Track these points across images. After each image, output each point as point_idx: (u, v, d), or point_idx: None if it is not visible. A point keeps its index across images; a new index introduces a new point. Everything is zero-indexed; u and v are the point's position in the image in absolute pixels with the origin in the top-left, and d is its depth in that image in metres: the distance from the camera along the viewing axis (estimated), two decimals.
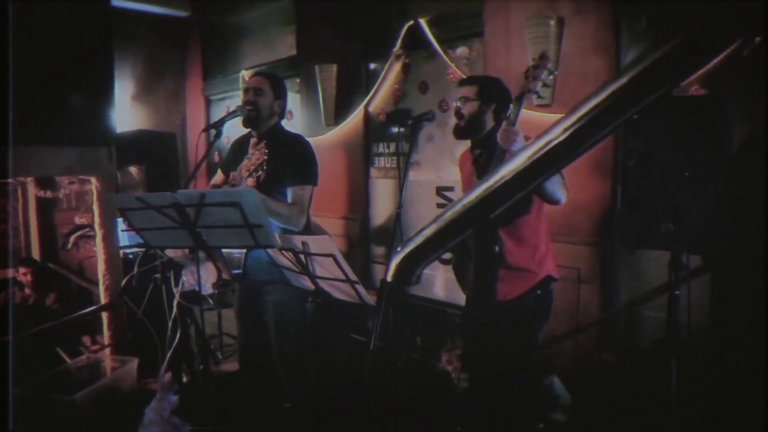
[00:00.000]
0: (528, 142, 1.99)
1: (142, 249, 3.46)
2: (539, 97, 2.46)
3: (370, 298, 2.41)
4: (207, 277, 2.71)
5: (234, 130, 3.20)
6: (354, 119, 4.69)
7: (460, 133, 2.61)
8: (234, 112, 2.74)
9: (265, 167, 2.70)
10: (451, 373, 3.60)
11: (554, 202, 2.36)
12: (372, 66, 4.67)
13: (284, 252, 2.47)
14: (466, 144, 2.72)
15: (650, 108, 0.79)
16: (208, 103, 6.81)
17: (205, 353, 2.96)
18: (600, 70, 3.09)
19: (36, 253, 4.86)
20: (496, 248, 2.45)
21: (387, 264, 2.24)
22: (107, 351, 3.69)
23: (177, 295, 2.87)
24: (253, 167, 2.70)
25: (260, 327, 2.87)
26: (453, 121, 2.64)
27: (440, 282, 4.20)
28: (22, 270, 4.41)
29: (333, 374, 3.23)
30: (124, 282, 3.51)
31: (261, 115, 2.76)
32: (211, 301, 2.75)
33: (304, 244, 2.37)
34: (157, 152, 5.34)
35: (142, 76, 6.71)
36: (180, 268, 2.86)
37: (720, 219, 1.68)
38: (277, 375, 2.89)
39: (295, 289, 2.68)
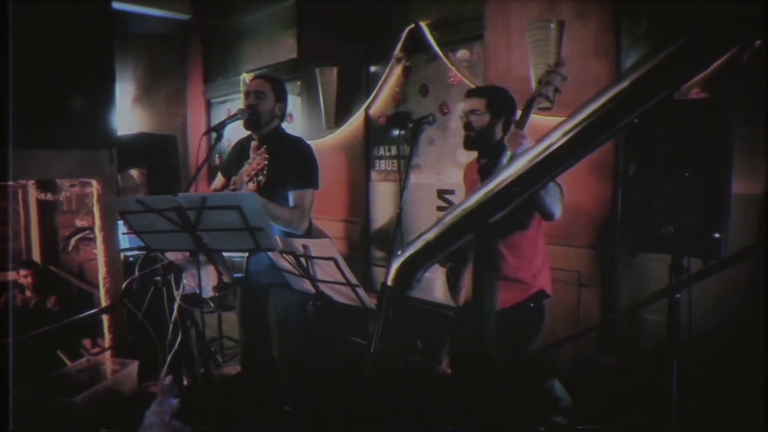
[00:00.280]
0: (529, 146, 2.00)
1: (143, 252, 3.45)
2: (550, 102, 2.47)
3: (371, 301, 2.41)
4: (208, 280, 2.71)
5: (235, 132, 3.20)
6: (354, 122, 4.69)
7: (471, 145, 2.62)
8: (235, 115, 2.74)
9: (265, 172, 2.70)
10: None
11: (549, 215, 2.37)
12: (373, 69, 4.68)
13: (285, 255, 2.48)
14: (470, 151, 2.73)
15: (651, 111, 0.79)
16: (209, 105, 6.82)
17: (205, 356, 2.95)
18: (600, 73, 3.10)
19: (37, 256, 4.86)
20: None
21: (387, 267, 2.24)
22: (108, 354, 3.69)
23: (177, 298, 2.86)
24: (253, 172, 2.70)
25: (262, 330, 2.88)
26: (458, 129, 2.64)
27: (440, 285, 4.20)
28: (22, 272, 4.42)
29: (334, 377, 3.23)
30: (124, 285, 3.50)
31: (262, 119, 2.77)
32: (211, 304, 2.75)
33: (304, 247, 2.37)
34: (158, 155, 5.34)
35: (143, 78, 6.72)
36: (181, 271, 2.86)
37: None
38: (279, 377, 2.89)
39: (297, 293, 2.68)
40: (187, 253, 2.71)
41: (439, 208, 4.18)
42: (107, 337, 3.74)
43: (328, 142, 4.81)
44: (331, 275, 2.38)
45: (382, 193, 4.69)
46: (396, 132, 4.45)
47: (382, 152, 4.66)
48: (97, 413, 2.72)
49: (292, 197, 2.71)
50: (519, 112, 2.44)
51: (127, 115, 6.46)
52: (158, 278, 2.85)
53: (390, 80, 4.47)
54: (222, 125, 2.65)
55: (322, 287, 2.50)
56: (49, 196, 4.78)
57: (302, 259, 2.42)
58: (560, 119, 0.93)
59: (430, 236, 1.20)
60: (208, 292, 2.71)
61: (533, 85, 3.02)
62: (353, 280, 2.35)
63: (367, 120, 4.68)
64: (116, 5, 3.95)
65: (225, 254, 2.75)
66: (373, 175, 4.74)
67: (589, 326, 3.20)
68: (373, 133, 4.70)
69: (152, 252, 2.74)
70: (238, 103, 5.98)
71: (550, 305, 2.66)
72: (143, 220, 2.33)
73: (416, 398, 3.36)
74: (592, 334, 3.17)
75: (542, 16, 3.25)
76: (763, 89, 2.26)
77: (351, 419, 2.74)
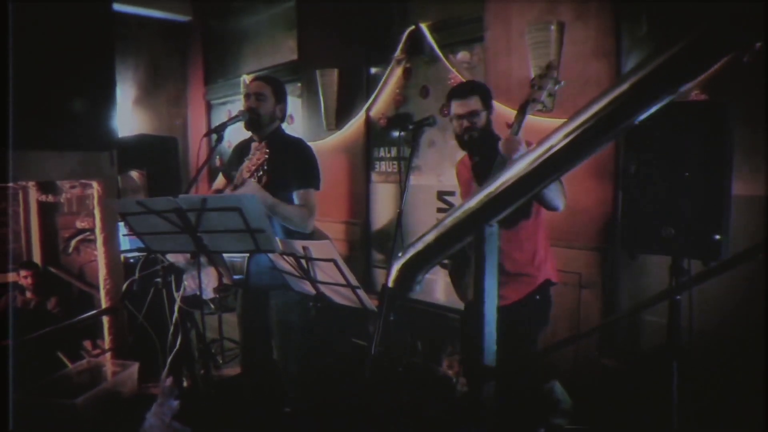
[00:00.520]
0: (530, 148, 1.99)
1: (143, 253, 3.45)
2: (544, 106, 2.46)
3: (371, 303, 2.41)
4: (208, 282, 2.71)
5: (235, 134, 3.21)
6: (355, 124, 4.70)
7: (476, 146, 2.57)
8: (235, 116, 2.75)
9: (265, 167, 2.71)
10: (452, 378, 3.59)
11: (553, 208, 2.36)
12: (373, 70, 4.68)
13: (285, 256, 2.48)
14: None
15: (651, 113, 0.79)
16: (210, 107, 6.83)
17: (206, 358, 2.95)
18: (601, 74, 3.10)
19: (37, 257, 4.86)
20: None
21: (388, 269, 2.24)
22: (108, 355, 3.68)
23: (178, 300, 2.86)
24: (254, 167, 2.71)
25: (263, 331, 2.88)
26: (457, 132, 2.60)
27: (441, 287, 4.20)
28: (23, 273, 4.42)
29: (334, 378, 3.23)
30: (125, 286, 3.50)
31: (262, 120, 2.77)
32: (212, 306, 2.75)
33: (305, 248, 2.37)
34: (159, 156, 5.33)
35: (144, 80, 6.73)
36: (181, 273, 2.86)
37: None
38: (279, 379, 2.89)
39: (297, 294, 2.68)
40: (188, 255, 2.72)
41: (440, 210, 4.18)
42: (107, 338, 3.73)
43: (329, 144, 4.82)
44: (331, 277, 2.38)
45: (383, 195, 4.69)
46: (396, 134, 4.45)
47: (382, 154, 4.66)
48: (97, 415, 2.72)
49: (297, 197, 2.71)
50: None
51: (128, 116, 6.46)
52: (159, 280, 2.85)
53: (390, 82, 4.48)
54: (222, 127, 2.65)
55: (323, 289, 2.50)
56: (50, 198, 4.78)
57: (302, 261, 2.42)
58: (560, 121, 0.93)
59: (430, 238, 1.20)
60: (209, 293, 2.71)
61: None
62: (353, 281, 2.35)
63: (368, 122, 4.69)
64: (117, 7, 3.95)
65: (225, 256, 2.75)
66: (374, 176, 4.74)
67: (589, 328, 3.20)
68: (374, 134, 4.71)
69: (153, 253, 2.74)
70: (238, 104, 5.99)
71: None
72: (144, 221, 2.33)
73: (416, 399, 3.37)
74: (592, 336, 3.17)
75: (542, 18, 3.25)
76: (763, 91, 2.26)
77: (351, 420, 2.75)
